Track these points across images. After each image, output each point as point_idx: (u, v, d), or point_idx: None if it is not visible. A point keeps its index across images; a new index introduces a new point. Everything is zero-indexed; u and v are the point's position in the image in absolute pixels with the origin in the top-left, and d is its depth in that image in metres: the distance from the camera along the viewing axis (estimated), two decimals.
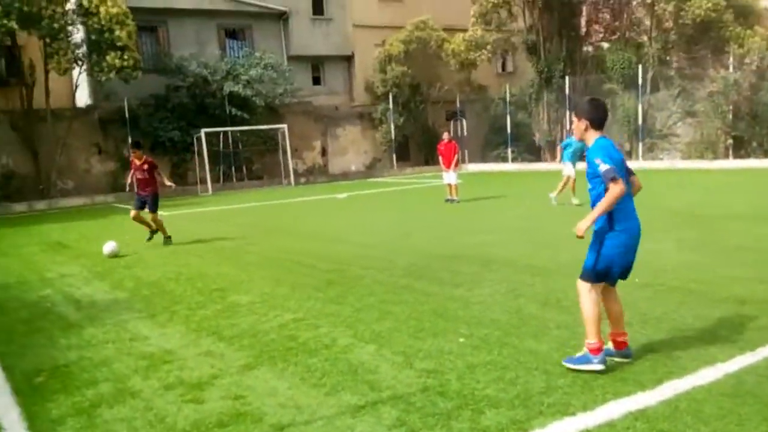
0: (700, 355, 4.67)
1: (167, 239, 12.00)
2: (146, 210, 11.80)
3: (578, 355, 4.54)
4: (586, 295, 4.50)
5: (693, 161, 24.44)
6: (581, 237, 4.41)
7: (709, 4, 24.30)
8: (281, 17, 30.30)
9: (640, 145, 26.23)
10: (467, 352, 5.04)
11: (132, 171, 11.99)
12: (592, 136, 4.53)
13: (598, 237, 4.51)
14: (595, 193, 4.51)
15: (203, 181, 26.04)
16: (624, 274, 4.64)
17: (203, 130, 25.40)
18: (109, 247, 10.71)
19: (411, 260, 9.00)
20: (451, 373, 4.60)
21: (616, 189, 4.27)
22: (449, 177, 16.48)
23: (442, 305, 6.47)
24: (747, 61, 24.37)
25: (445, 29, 31.04)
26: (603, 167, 4.31)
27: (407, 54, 30.86)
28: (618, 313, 4.71)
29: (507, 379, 4.43)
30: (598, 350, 4.41)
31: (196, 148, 26.21)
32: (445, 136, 17.04)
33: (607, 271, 4.49)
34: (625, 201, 4.42)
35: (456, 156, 16.62)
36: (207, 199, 23.25)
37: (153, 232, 11.98)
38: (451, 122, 32.36)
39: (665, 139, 26.92)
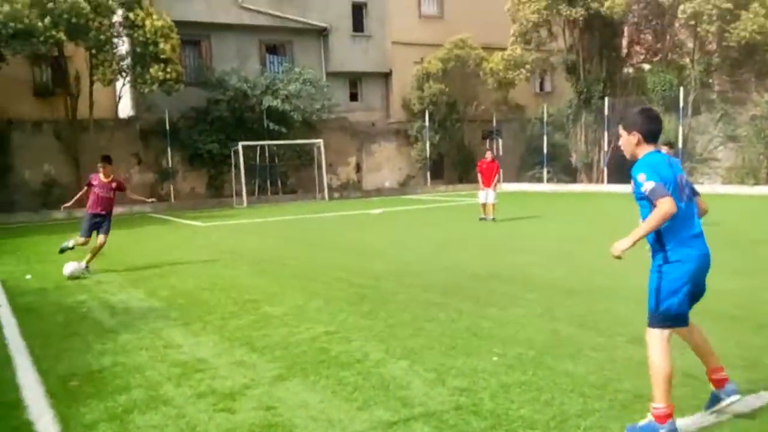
0: (742, 381, 4.50)
1: (87, 268, 10.34)
2: (99, 233, 10.46)
3: (642, 423, 3.84)
4: (655, 345, 3.84)
5: (734, 186, 23.92)
6: (618, 257, 3.85)
7: (755, 27, 23.80)
8: (321, 33, 30.61)
9: None
10: (501, 371, 4.96)
11: (88, 188, 10.54)
12: (644, 151, 3.92)
13: (655, 272, 3.88)
14: (645, 217, 3.86)
15: (239, 194, 26.30)
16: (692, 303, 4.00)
17: (241, 144, 25.69)
18: (69, 268, 10.07)
19: (445, 277, 8.94)
20: (484, 392, 4.53)
21: (663, 205, 3.63)
22: (485, 196, 16.36)
23: (476, 324, 6.39)
24: None
25: (483, 48, 30.99)
26: (648, 185, 3.70)
27: (445, 72, 30.87)
28: (703, 345, 4.11)
29: (542, 401, 4.34)
30: (666, 417, 3.73)
31: (233, 161, 26.52)
32: (488, 155, 16.98)
33: (673, 310, 3.81)
34: (683, 225, 3.81)
35: (496, 176, 16.53)
36: (242, 211, 23.47)
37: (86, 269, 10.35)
38: (487, 141, 32.23)
39: (705, 164, 26.42)
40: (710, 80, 27.21)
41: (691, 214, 3.91)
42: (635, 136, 3.95)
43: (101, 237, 10.47)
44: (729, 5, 23.80)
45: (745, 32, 23.80)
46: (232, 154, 26.31)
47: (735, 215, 16.05)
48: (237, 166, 26.14)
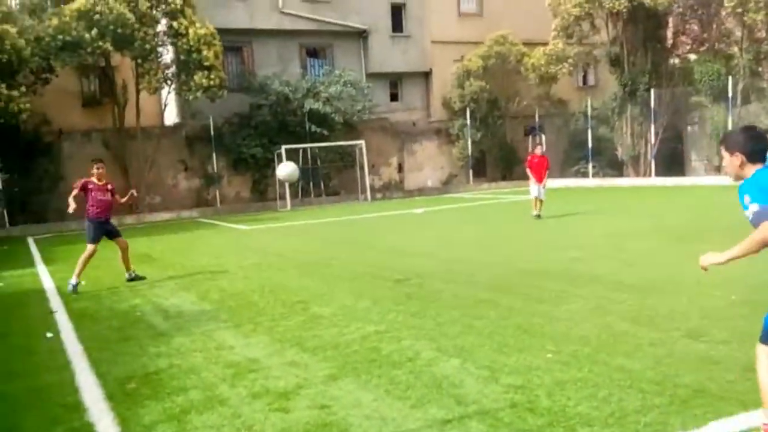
0: None
1: (132, 275, 10.36)
2: (116, 239, 10.20)
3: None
4: (764, 359, 3.62)
5: None
6: (704, 269, 3.69)
7: None
8: (361, 35, 30.68)
9: None
10: (555, 368, 4.89)
11: (85, 192, 9.89)
12: (751, 172, 3.63)
13: None
14: None
15: (282, 197, 26.52)
16: None
17: (284, 147, 25.91)
18: (285, 170, 9.94)
19: (492, 275, 8.87)
20: (539, 389, 4.47)
21: (765, 229, 3.36)
22: (537, 191, 16.07)
23: (527, 321, 6.31)
24: None
25: (524, 43, 30.66)
26: (752, 208, 3.43)
27: (486, 69, 30.62)
28: None
29: (600, 397, 4.26)
30: None
31: (276, 165, 26.76)
32: (538, 150, 16.72)
33: None
34: None
35: (547, 171, 16.33)
36: (286, 214, 23.67)
37: (133, 275, 10.38)
38: (530, 137, 31.86)
39: None
40: (760, 69, 26.41)
41: None
42: (738, 158, 3.66)
43: (120, 241, 10.21)
44: None
45: None
46: (275, 157, 26.57)
47: None
48: None
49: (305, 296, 8.19)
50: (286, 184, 25.69)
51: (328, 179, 28.99)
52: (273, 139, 26.89)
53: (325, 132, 27.25)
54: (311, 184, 28.22)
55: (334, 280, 9.28)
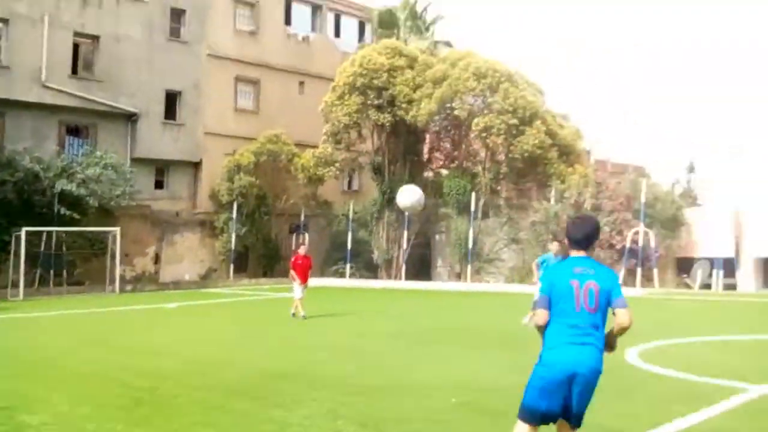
0: None
1: None
2: None
3: None
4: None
5: (515, 285, 25.55)
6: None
7: (536, 141, 26.69)
8: (130, 118, 29.53)
9: (469, 267, 27.50)
10: None
11: None
12: (570, 254, 4.18)
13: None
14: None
15: (15, 285, 23.66)
16: (571, 417, 3.99)
17: (24, 229, 23.45)
18: (412, 196, 8.74)
19: (233, 377, 8.59)
20: None
21: (535, 317, 4.05)
22: (302, 291, 15.62)
23: (258, 428, 6.14)
24: (567, 195, 26.64)
25: (296, 144, 31.62)
26: (537, 295, 4.11)
27: (257, 165, 30.95)
28: None
29: None
30: None
31: (13, 248, 24.03)
32: (302, 250, 16.42)
33: (525, 404, 3.96)
34: (564, 331, 3.89)
35: (309, 271, 16.21)
36: (16, 304, 21.08)
37: None
38: (294, 235, 32.39)
39: (492, 263, 28.45)
40: (498, 187, 29.74)
41: (579, 323, 3.89)
42: (565, 240, 4.24)
43: None
44: (515, 121, 26.64)
45: (527, 146, 26.59)
46: (13, 240, 23.89)
47: (516, 312, 17.25)
48: (17, 254, 23.71)
49: (14, 401, 7.19)
50: (21, 270, 23.09)
51: (73, 267, 26.52)
52: (14, 219, 24.22)
53: (77, 216, 25.21)
54: (51, 271, 25.58)
55: (53, 383, 8.33)
